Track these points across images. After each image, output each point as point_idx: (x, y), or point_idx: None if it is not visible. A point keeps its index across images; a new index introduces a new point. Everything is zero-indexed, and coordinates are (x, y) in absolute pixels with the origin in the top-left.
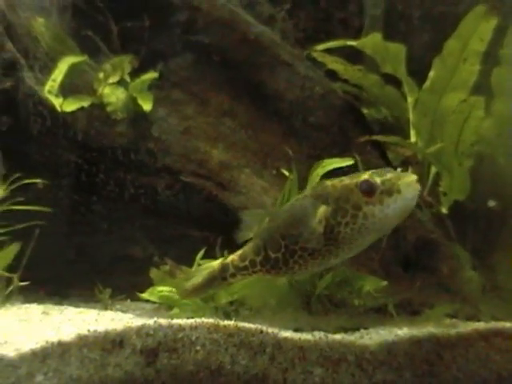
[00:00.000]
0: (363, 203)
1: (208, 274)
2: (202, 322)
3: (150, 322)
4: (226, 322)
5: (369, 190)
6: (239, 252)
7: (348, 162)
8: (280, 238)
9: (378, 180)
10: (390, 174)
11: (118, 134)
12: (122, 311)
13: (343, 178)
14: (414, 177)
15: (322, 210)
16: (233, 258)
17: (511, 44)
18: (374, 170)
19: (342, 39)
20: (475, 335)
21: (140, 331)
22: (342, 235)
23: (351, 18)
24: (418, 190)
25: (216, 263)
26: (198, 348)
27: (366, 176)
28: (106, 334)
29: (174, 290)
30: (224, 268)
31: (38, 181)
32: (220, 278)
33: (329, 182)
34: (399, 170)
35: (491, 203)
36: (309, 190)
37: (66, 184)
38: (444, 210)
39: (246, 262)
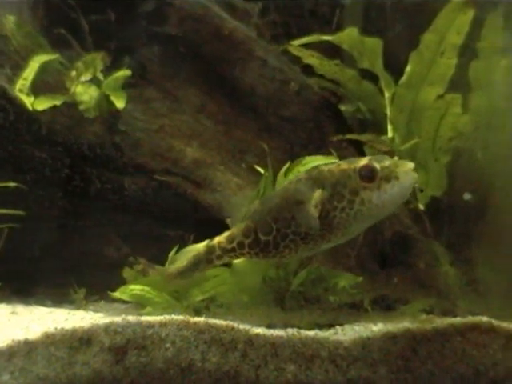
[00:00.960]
0: (361, 188)
1: (193, 257)
2: (172, 318)
3: (119, 319)
4: (197, 319)
5: (369, 175)
6: (226, 234)
7: (331, 159)
8: (272, 221)
9: (377, 166)
10: (387, 161)
11: (90, 132)
12: (94, 311)
13: (340, 162)
14: (411, 165)
15: (318, 194)
16: (219, 239)
17: (488, 37)
18: (370, 156)
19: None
20: (451, 330)
21: (108, 328)
22: (337, 220)
23: (330, 13)
24: (415, 178)
25: (201, 245)
26: (168, 345)
27: (365, 161)
28: (74, 331)
29: (146, 288)
30: (210, 250)
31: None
32: (205, 260)
33: (325, 167)
34: (396, 157)
35: (467, 196)
36: (303, 173)
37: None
38: (421, 206)
39: (234, 244)
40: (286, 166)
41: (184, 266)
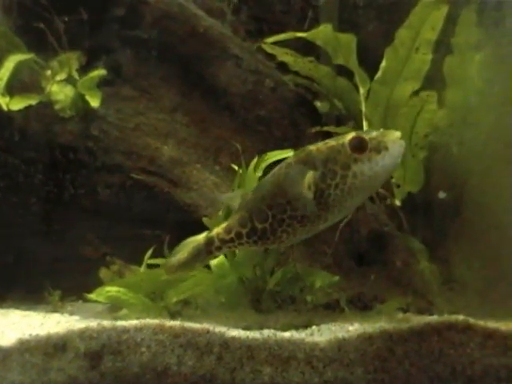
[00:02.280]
0: (352, 162)
1: (193, 249)
2: (147, 322)
3: (94, 324)
4: (172, 323)
5: (360, 146)
6: (224, 225)
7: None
8: (267, 209)
9: (366, 137)
10: (374, 133)
11: (65, 132)
12: (70, 313)
13: (327, 140)
14: (398, 133)
15: (310, 175)
16: (217, 231)
17: (463, 32)
18: (356, 131)
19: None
20: (428, 329)
21: (83, 334)
22: (332, 198)
23: (305, 10)
24: (403, 145)
25: (201, 237)
26: (144, 350)
27: (353, 134)
28: (48, 337)
29: (121, 290)
30: (209, 241)
31: None
32: (205, 251)
33: (312, 147)
34: (381, 130)
35: (442, 194)
36: (291, 157)
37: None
38: (397, 202)
39: (232, 235)
40: (254, 161)
41: (185, 257)
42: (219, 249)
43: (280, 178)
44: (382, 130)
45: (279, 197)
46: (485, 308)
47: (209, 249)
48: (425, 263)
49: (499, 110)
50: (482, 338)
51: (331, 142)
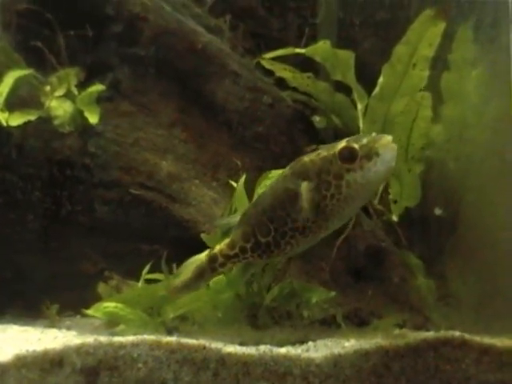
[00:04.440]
0: (344, 172)
1: (196, 268)
2: (144, 338)
3: (90, 339)
4: (169, 339)
5: (350, 156)
6: (227, 241)
7: None
8: (268, 222)
9: (356, 146)
10: (365, 139)
11: (65, 147)
12: (68, 328)
13: (320, 150)
14: (389, 137)
15: (305, 186)
16: (220, 247)
17: (460, 49)
18: (347, 138)
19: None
20: (424, 345)
21: (80, 350)
22: (329, 208)
23: (304, 26)
24: (395, 149)
25: (202, 255)
26: (140, 365)
27: (343, 144)
28: (45, 353)
29: (119, 305)
30: (212, 259)
31: None
32: (209, 269)
33: (306, 158)
34: (374, 134)
35: (438, 211)
36: (287, 169)
37: None
38: (394, 218)
39: (236, 250)
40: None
41: (188, 277)
42: (223, 265)
43: (278, 191)
44: (374, 134)
45: (279, 210)
46: (480, 324)
47: (212, 266)
48: (421, 279)
49: (496, 126)
50: (477, 354)
51: (323, 153)
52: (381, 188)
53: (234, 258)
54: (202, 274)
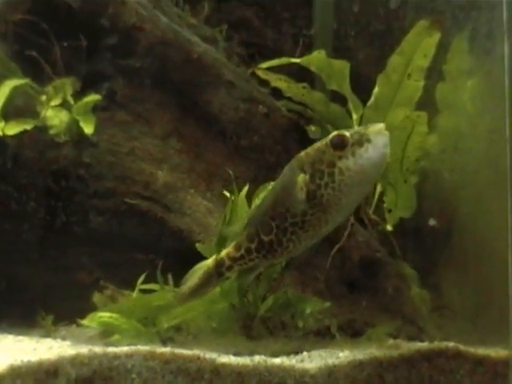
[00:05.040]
0: (336, 159)
1: (203, 274)
2: (138, 349)
3: (85, 350)
4: (163, 349)
5: (340, 143)
6: (232, 244)
7: None
8: (270, 220)
9: (346, 133)
10: (356, 128)
11: (61, 156)
12: (63, 338)
13: (314, 144)
14: (381, 125)
15: (301, 178)
16: (227, 251)
17: (455, 59)
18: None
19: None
20: (418, 356)
21: (74, 360)
22: (325, 197)
23: (300, 35)
24: (388, 135)
25: (209, 261)
26: (134, 376)
27: (335, 132)
28: (40, 363)
29: (114, 315)
30: (219, 263)
31: None
32: (216, 274)
33: (302, 152)
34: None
35: (432, 222)
36: (286, 167)
37: None
38: (389, 228)
39: (242, 251)
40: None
41: (196, 284)
42: (230, 268)
43: (278, 188)
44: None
45: (279, 206)
46: (475, 335)
47: (219, 271)
48: (416, 289)
49: (490, 136)
50: (472, 365)
51: (317, 144)
52: (376, 197)
53: (240, 259)
54: (209, 280)
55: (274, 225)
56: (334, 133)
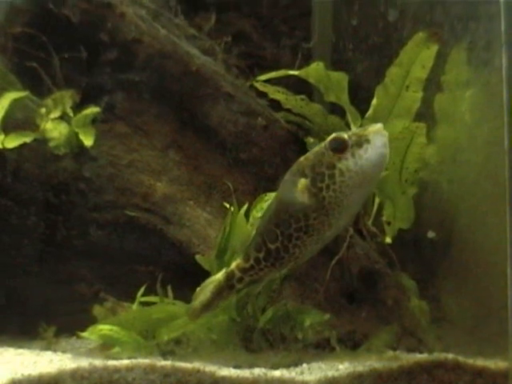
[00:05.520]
0: (336, 161)
1: (214, 287)
2: (138, 362)
3: (85, 363)
4: (163, 362)
5: (339, 146)
6: (241, 255)
7: None
8: (275, 228)
9: (345, 135)
10: (354, 129)
11: (60, 169)
12: (63, 351)
13: (314, 148)
14: (379, 125)
15: (302, 182)
16: (237, 263)
17: (453, 70)
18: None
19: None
20: (417, 368)
21: (75, 374)
22: (327, 200)
23: (299, 47)
24: (386, 135)
25: (219, 274)
26: None
27: (332, 135)
28: (40, 377)
29: (114, 328)
30: (229, 276)
31: None
32: (227, 286)
33: (301, 157)
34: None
35: (431, 234)
36: (286, 174)
37: None
38: (388, 240)
39: (251, 262)
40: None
41: (207, 298)
42: (241, 280)
43: (280, 195)
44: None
45: (282, 213)
46: (474, 346)
47: (230, 283)
48: (415, 300)
49: (489, 148)
50: (471, 377)
51: (316, 148)
52: (374, 209)
53: (250, 270)
54: (220, 293)
55: (279, 232)
56: (333, 135)
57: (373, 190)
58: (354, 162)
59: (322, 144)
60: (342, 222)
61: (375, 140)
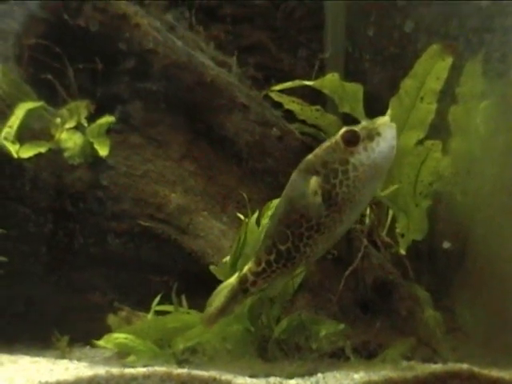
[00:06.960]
0: (349, 155)
1: (228, 292)
2: (155, 370)
3: (102, 371)
4: (180, 370)
5: (353, 138)
6: (253, 259)
7: None
8: (285, 228)
9: (356, 128)
10: (364, 123)
11: (76, 179)
12: (79, 359)
13: (321, 144)
14: (386, 117)
15: (313, 180)
16: (249, 266)
17: (468, 82)
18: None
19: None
20: (432, 378)
21: (92, 381)
22: (340, 196)
23: (313, 57)
24: (395, 127)
25: (232, 279)
26: None
27: (344, 129)
28: None
29: (129, 336)
30: (242, 280)
31: None
32: (241, 290)
33: (309, 155)
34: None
35: (446, 245)
36: (293, 173)
37: None
38: (402, 251)
39: (263, 265)
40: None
41: (222, 303)
42: (254, 283)
43: (289, 195)
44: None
45: (292, 213)
46: (489, 357)
47: (244, 287)
48: (430, 311)
49: (504, 159)
50: None
51: (325, 144)
52: (388, 220)
53: (262, 273)
54: (235, 297)
55: (290, 232)
56: (344, 129)
57: (381, 183)
58: (367, 156)
59: (333, 139)
60: (352, 217)
61: (386, 133)
